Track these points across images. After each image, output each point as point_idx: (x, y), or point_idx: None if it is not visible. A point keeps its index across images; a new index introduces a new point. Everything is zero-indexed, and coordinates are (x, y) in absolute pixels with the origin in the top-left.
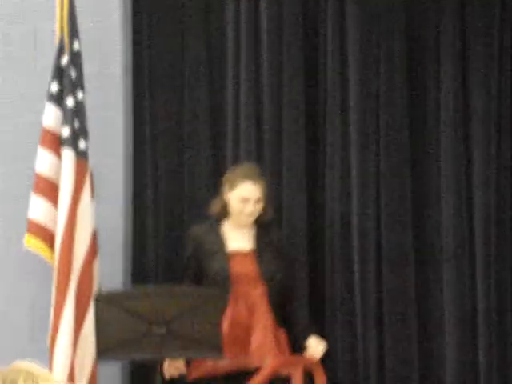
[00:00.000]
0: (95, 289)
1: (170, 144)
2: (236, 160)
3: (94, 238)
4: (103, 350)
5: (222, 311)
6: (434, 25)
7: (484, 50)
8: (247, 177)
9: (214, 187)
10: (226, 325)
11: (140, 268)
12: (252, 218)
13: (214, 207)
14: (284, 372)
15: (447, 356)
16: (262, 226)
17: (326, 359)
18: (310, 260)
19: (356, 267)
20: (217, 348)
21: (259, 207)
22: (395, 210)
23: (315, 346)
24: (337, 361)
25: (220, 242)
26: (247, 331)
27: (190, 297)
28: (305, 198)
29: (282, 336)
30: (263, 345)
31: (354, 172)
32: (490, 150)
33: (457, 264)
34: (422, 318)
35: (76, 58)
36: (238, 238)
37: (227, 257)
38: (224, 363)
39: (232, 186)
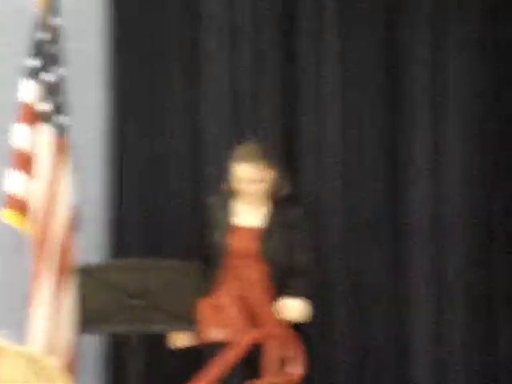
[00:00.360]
0: (75, 262)
1: (151, 119)
2: (215, 126)
3: (74, 212)
4: (83, 323)
5: (199, 285)
6: None
7: None
8: (242, 158)
9: (195, 158)
10: (227, 300)
11: (121, 242)
12: (256, 198)
13: (225, 184)
14: (265, 344)
15: (416, 331)
16: (279, 204)
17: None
18: None
19: (327, 240)
20: (190, 321)
21: (261, 187)
22: (368, 188)
23: (289, 307)
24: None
25: (227, 216)
26: (249, 307)
27: (170, 270)
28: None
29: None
30: (259, 323)
31: (325, 153)
32: (465, 126)
33: (426, 240)
34: (392, 292)
35: (56, 34)
36: (247, 213)
37: (230, 231)
38: (223, 335)
39: (232, 166)
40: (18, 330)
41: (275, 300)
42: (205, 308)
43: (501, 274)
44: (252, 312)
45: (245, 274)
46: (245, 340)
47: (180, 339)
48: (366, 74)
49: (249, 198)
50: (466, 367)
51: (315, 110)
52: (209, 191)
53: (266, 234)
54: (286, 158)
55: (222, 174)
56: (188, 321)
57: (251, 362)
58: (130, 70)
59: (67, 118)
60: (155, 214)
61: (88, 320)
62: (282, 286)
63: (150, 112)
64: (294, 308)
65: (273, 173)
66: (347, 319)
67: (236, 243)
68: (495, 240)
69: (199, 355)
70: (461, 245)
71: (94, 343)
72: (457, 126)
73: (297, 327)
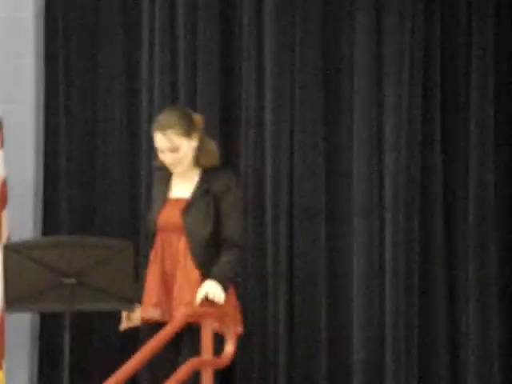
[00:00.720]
0: (5, 238)
1: (83, 91)
2: (150, 98)
3: (3, 186)
4: (11, 301)
5: (130, 262)
6: None
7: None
8: (157, 127)
9: (129, 132)
10: (156, 276)
11: (52, 218)
12: (177, 168)
13: (155, 157)
14: (198, 322)
15: (355, 308)
16: (207, 173)
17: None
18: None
19: (268, 219)
20: (127, 300)
21: (180, 156)
22: (308, 164)
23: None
24: (248, 311)
25: (163, 190)
26: (173, 283)
27: (101, 247)
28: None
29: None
30: (183, 300)
31: (268, 126)
32: (401, 111)
33: (366, 219)
34: (331, 271)
35: None
36: (180, 186)
37: (162, 205)
38: (156, 314)
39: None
40: None
41: (200, 275)
42: (142, 286)
43: (439, 255)
44: (176, 289)
45: (172, 249)
46: (177, 319)
47: (129, 320)
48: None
49: (172, 170)
50: (395, 345)
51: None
52: (147, 165)
53: (188, 206)
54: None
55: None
56: (120, 299)
57: (180, 340)
58: (60, 38)
59: None
60: (89, 189)
61: (16, 298)
62: (210, 261)
63: (84, 81)
64: (208, 290)
65: (196, 140)
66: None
67: (163, 217)
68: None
69: (135, 334)
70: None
71: (24, 321)
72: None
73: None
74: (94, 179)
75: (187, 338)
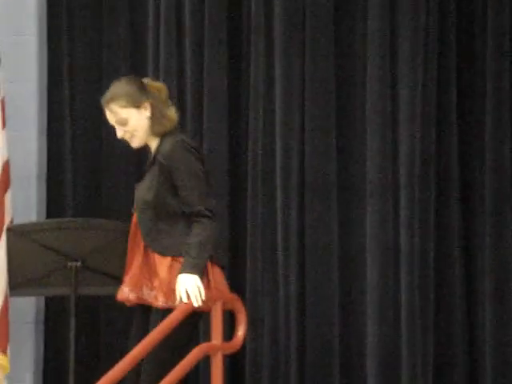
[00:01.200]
0: (7, 221)
1: (87, 70)
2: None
3: (6, 168)
4: (15, 285)
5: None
6: None
7: None
8: (102, 101)
9: None
10: (130, 255)
11: (56, 200)
12: (133, 142)
13: None
14: (204, 308)
15: (368, 290)
16: (160, 142)
17: (246, 294)
18: (231, 191)
19: (279, 196)
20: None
21: (129, 128)
22: (319, 143)
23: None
24: (258, 295)
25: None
26: (146, 263)
27: (106, 230)
28: (226, 130)
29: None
30: (134, 277)
31: (277, 104)
32: (416, 88)
33: (380, 198)
34: (343, 250)
35: None
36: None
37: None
38: (131, 295)
39: None
40: None
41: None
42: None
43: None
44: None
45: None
46: (180, 308)
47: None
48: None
49: (132, 144)
50: (410, 326)
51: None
52: None
53: (141, 179)
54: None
55: None
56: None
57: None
58: (64, 17)
59: None
60: (94, 170)
61: (20, 282)
62: (159, 233)
63: (89, 60)
64: (181, 289)
65: (148, 109)
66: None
67: (136, 195)
68: (444, 194)
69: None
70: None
71: (28, 305)
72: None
73: None
74: (98, 160)
75: (154, 319)
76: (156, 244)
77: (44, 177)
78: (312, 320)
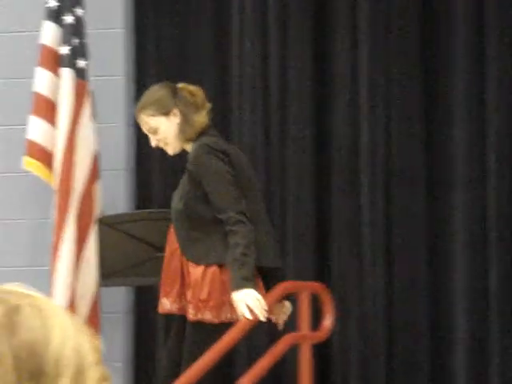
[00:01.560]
0: (97, 212)
1: (173, 64)
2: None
3: (96, 160)
4: (106, 275)
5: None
6: None
7: None
8: (134, 112)
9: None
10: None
11: (144, 191)
12: (168, 150)
13: None
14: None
15: (458, 280)
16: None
17: (334, 286)
18: (316, 185)
19: (364, 190)
20: None
21: (160, 137)
22: (406, 136)
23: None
24: (344, 289)
25: None
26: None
27: None
28: (312, 126)
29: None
30: (173, 288)
31: (363, 96)
32: (504, 69)
33: (469, 188)
34: (431, 241)
35: None
36: None
37: None
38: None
39: None
40: (42, 282)
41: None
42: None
43: None
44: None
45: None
46: (243, 322)
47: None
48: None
49: (168, 152)
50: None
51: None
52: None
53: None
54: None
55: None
56: None
57: None
58: (151, 11)
59: (87, 61)
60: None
61: (111, 273)
62: (194, 242)
63: (173, 56)
64: (242, 307)
65: (178, 115)
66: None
67: (171, 203)
68: None
69: None
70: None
71: (118, 296)
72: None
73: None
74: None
75: (188, 332)
76: (190, 253)
77: (132, 169)
78: (400, 310)
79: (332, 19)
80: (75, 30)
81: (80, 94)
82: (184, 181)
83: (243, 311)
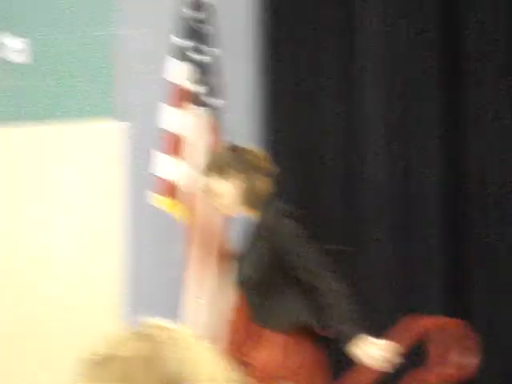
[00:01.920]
0: (231, 247)
1: (303, 100)
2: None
3: None
4: None
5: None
6: None
7: None
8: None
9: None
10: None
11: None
12: (221, 211)
13: None
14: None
15: None
16: (259, 217)
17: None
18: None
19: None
20: None
21: (218, 199)
22: None
23: (364, 349)
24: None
25: None
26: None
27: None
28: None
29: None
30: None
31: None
32: None
33: None
34: None
35: (209, 13)
36: None
37: None
38: None
39: None
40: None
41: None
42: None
43: None
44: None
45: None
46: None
47: None
48: None
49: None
50: None
51: None
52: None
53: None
54: None
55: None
56: None
57: None
58: (282, 50)
59: (220, 100)
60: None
61: None
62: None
63: (303, 95)
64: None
65: (238, 181)
66: None
67: (238, 267)
68: None
69: None
70: None
71: None
72: None
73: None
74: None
75: None
76: (265, 320)
77: None
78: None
79: None
80: (209, 69)
81: (213, 131)
82: (257, 248)
83: (372, 364)
